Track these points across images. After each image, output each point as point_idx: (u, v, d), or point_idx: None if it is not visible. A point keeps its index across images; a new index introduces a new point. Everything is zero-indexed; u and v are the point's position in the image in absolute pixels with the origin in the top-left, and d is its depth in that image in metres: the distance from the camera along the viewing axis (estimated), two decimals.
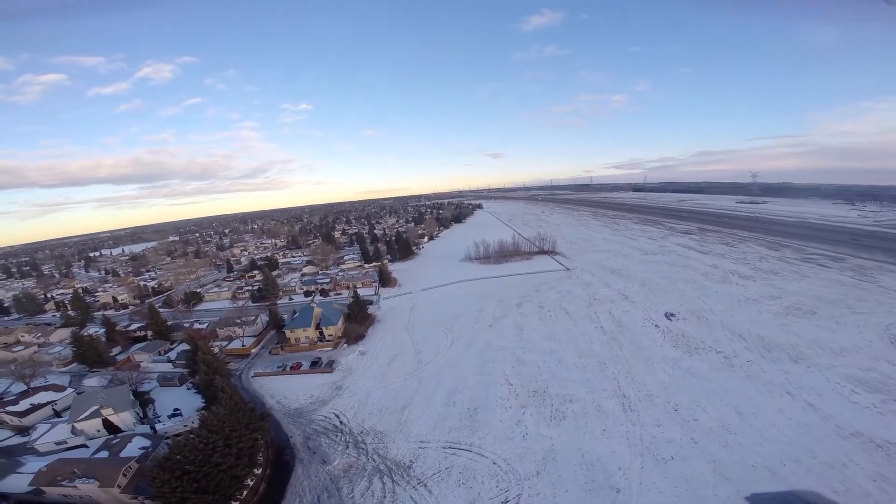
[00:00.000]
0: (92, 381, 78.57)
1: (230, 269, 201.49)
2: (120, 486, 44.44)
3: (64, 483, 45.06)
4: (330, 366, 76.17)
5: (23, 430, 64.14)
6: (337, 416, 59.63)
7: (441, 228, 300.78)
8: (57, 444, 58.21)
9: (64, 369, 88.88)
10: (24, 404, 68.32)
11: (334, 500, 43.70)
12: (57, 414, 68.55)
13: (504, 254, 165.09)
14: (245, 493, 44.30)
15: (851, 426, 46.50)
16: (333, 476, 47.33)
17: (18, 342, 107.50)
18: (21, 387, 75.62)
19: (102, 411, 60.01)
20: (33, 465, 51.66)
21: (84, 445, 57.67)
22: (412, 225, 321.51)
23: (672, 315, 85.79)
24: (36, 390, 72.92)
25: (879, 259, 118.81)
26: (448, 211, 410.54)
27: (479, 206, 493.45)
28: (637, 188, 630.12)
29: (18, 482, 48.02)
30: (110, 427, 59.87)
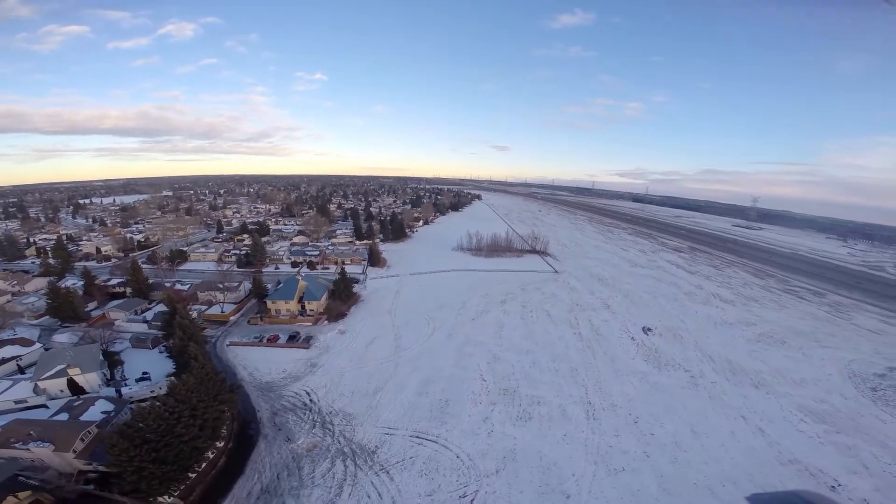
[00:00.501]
0: (62, 337, 76.47)
1: (220, 230, 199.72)
2: (75, 451, 43.61)
3: (17, 445, 43.50)
4: (307, 341, 76.49)
5: None
6: (308, 393, 60.21)
7: (437, 214, 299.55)
8: (16, 402, 56.34)
9: (35, 322, 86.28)
10: None
11: (294, 479, 44.29)
12: (21, 370, 66.13)
13: (496, 248, 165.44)
14: (204, 465, 44.32)
15: (792, 453, 48.92)
16: (296, 454, 47.87)
17: None
18: None
19: (69, 371, 58.30)
20: None
21: (44, 406, 56.11)
22: (409, 207, 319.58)
23: (649, 330, 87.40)
24: (2, 343, 69.86)
25: (857, 298, 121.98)
26: (446, 198, 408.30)
27: (478, 197, 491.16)
28: (637, 198, 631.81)
29: None
30: (75, 388, 58.62)
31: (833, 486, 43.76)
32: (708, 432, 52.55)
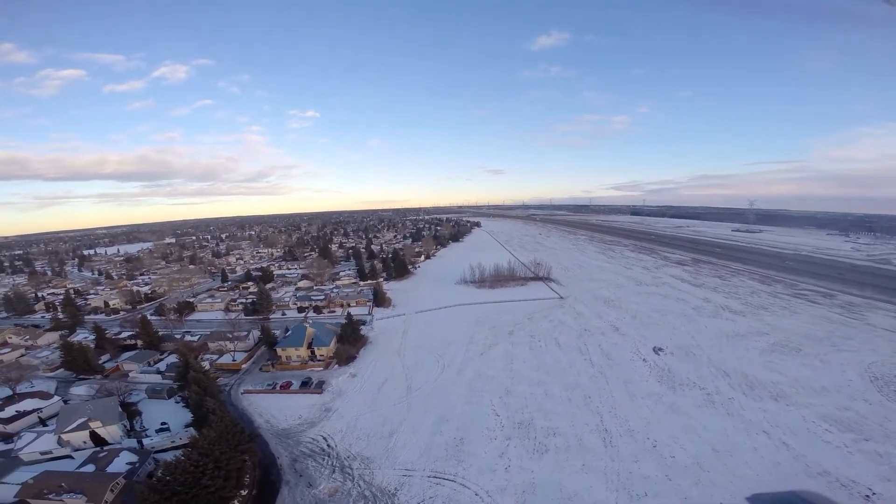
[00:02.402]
0: (79, 390, 78.33)
1: (225, 279, 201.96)
2: (106, 503, 44.64)
3: (51, 497, 44.97)
4: (320, 387, 76.70)
5: (7, 438, 63.82)
6: (325, 438, 60.15)
7: (438, 247, 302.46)
8: (42, 454, 58.17)
9: (51, 374, 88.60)
10: (9, 411, 68.01)
11: None
12: (42, 422, 68.08)
13: (499, 278, 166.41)
14: None
15: (820, 465, 48.08)
16: (319, 500, 47.80)
17: (6, 343, 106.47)
18: (5, 391, 75.14)
19: (90, 423, 59.98)
20: (18, 474, 51.54)
21: (70, 457, 57.64)
22: (410, 241, 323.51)
23: (660, 349, 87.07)
24: (22, 396, 72.57)
25: (869, 296, 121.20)
26: (446, 228, 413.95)
27: (478, 225, 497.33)
28: (635, 211, 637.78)
29: (3, 492, 47.88)
30: (97, 439, 59.82)
31: (868, 496, 42.78)
32: (730, 450, 51.80)
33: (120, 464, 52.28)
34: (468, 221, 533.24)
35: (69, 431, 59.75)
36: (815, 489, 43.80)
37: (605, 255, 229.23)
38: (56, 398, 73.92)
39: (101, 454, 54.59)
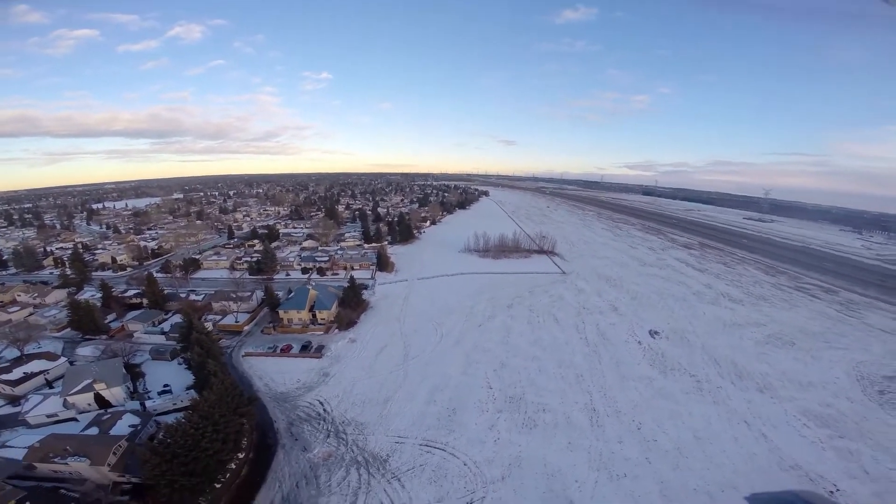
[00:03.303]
0: (86, 351, 79.23)
1: (231, 236, 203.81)
2: (109, 465, 46.15)
3: (56, 460, 46.31)
4: (319, 351, 78.87)
5: (14, 400, 64.44)
6: (321, 403, 62.48)
7: (444, 213, 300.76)
8: (48, 416, 58.99)
9: (58, 335, 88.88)
10: (17, 373, 68.38)
11: (312, 488, 46.59)
12: (49, 384, 68.82)
13: (503, 249, 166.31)
14: (228, 475, 46.90)
15: (793, 459, 49.78)
16: (313, 464, 50.13)
17: (15, 302, 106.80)
18: (14, 352, 75.48)
19: (95, 385, 61.17)
20: (24, 438, 52.85)
21: (74, 419, 58.53)
22: (416, 206, 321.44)
23: (656, 333, 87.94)
24: (29, 357, 73.06)
25: (872, 295, 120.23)
26: (454, 196, 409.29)
27: (486, 194, 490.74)
28: (647, 191, 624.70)
29: (11, 456, 49.01)
30: (101, 401, 61.18)
31: (832, 492, 44.46)
32: (710, 438, 53.48)
33: (123, 426, 53.36)
34: (476, 190, 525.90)
35: (74, 394, 60.75)
36: (785, 481, 45.72)
37: (611, 233, 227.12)
38: (62, 359, 74.29)
39: (105, 417, 55.64)
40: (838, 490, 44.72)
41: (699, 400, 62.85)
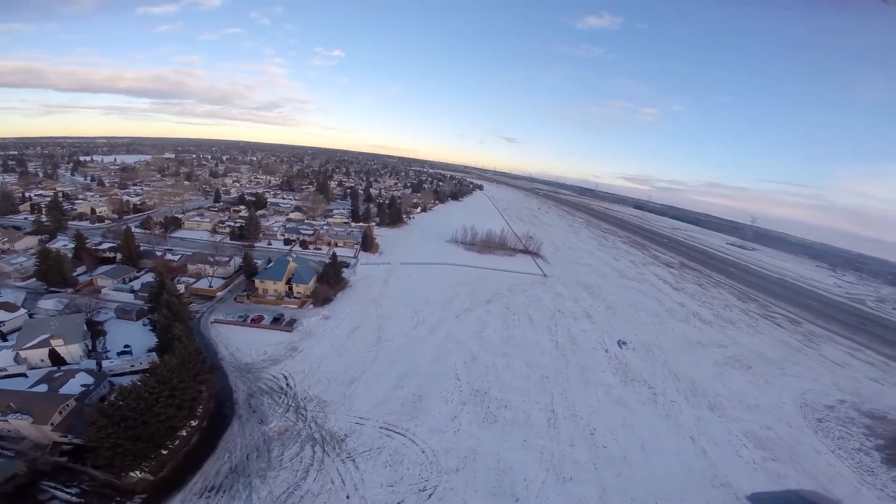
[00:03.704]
0: (48, 304, 75.53)
1: (217, 199, 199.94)
2: (53, 424, 44.29)
3: None
4: (291, 325, 78.55)
5: None
6: (285, 377, 62.46)
7: (437, 202, 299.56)
8: None
9: (21, 284, 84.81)
10: None
11: (262, 461, 46.65)
12: (3, 336, 65.21)
13: (490, 245, 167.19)
14: (177, 442, 45.97)
15: (726, 477, 52.12)
16: (267, 437, 50.12)
17: None
18: None
19: (52, 341, 58.77)
20: None
21: (24, 375, 55.80)
22: (409, 192, 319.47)
23: (624, 343, 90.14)
24: None
25: (833, 329, 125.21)
26: (448, 186, 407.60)
27: (480, 188, 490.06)
28: (638, 205, 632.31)
29: None
30: (56, 358, 58.71)
31: None
32: (656, 450, 55.52)
33: (74, 385, 51.09)
34: (471, 183, 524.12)
35: (28, 348, 58.13)
36: (712, 499, 48.04)
37: (597, 242, 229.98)
38: (22, 311, 70.23)
39: (57, 374, 53.17)
40: None
41: (652, 412, 65.01)
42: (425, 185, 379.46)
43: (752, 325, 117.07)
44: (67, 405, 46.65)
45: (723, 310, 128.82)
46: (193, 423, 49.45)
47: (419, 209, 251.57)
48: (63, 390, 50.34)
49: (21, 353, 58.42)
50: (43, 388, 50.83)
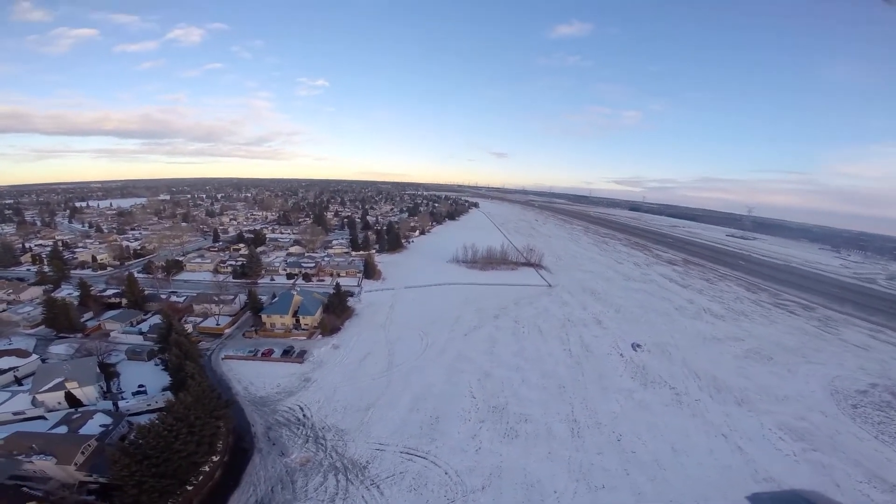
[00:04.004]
0: (59, 349, 77.25)
1: (216, 239, 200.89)
2: (77, 464, 44.86)
3: (20, 458, 44.88)
4: (301, 356, 77.68)
5: None
6: (301, 408, 61.44)
7: (434, 224, 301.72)
8: (15, 414, 57.39)
9: (31, 331, 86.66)
10: None
11: (288, 493, 45.63)
12: (18, 381, 66.94)
13: (491, 261, 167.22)
14: (201, 478, 45.75)
15: (767, 471, 50.50)
16: (290, 468, 49.21)
17: None
18: None
19: (66, 384, 59.46)
20: None
21: (43, 417, 56.90)
22: (406, 216, 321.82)
23: (638, 346, 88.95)
24: None
25: (848, 312, 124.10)
26: (443, 206, 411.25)
27: (476, 205, 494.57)
28: (634, 207, 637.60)
29: None
30: (72, 400, 59.59)
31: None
32: (687, 450, 54.03)
33: (93, 426, 52.02)
34: (466, 201, 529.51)
35: (44, 392, 59.09)
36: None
37: (598, 248, 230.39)
38: (34, 357, 72.29)
39: (75, 416, 54.20)
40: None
41: (678, 413, 63.55)
42: (421, 208, 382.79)
43: (766, 316, 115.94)
44: (89, 445, 47.09)
45: (733, 302, 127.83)
46: (215, 459, 48.88)
47: (417, 232, 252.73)
48: (82, 431, 50.96)
49: (38, 396, 59.28)
50: (63, 429, 51.55)
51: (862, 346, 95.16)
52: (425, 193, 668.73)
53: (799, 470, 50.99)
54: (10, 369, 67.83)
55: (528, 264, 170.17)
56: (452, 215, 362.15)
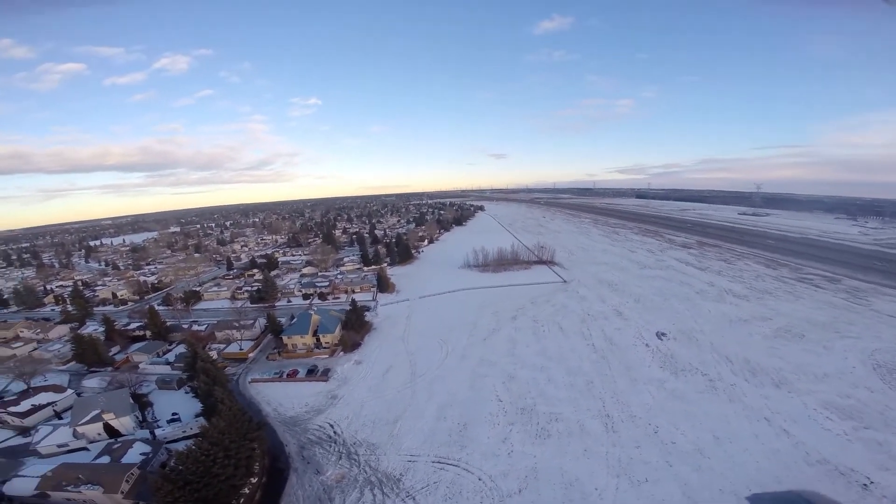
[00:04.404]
0: (92, 382, 79.92)
1: (230, 267, 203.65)
2: (123, 492, 46.00)
3: (69, 488, 46.49)
4: (326, 374, 77.90)
5: (24, 431, 64.92)
6: (331, 425, 61.44)
7: (441, 231, 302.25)
8: (59, 446, 59.61)
9: (63, 368, 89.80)
10: (25, 405, 69.16)
11: None
12: (57, 415, 69.26)
13: (503, 262, 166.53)
14: (242, 500, 46.22)
15: (819, 453, 48.51)
16: (326, 486, 49.15)
17: (17, 338, 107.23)
18: (20, 385, 76.36)
19: (104, 416, 61.46)
20: (36, 468, 52.67)
21: (85, 449, 59.18)
22: (413, 226, 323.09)
23: (663, 334, 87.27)
24: (36, 390, 73.82)
25: (875, 281, 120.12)
26: (449, 213, 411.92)
27: (481, 208, 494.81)
28: (640, 195, 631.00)
29: (23, 485, 48.99)
30: (111, 431, 61.42)
31: (865, 485, 43.16)
32: (730, 437, 52.39)
33: (134, 454, 53.80)
34: (471, 205, 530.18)
35: (83, 424, 61.24)
36: (813, 477, 44.61)
37: (608, 239, 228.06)
38: (69, 391, 75.24)
39: (116, 446, 56.14)
40: (873, 483, 43.27)
41: (714, 399, 61.85)
42: (427, 217, 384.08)
43: (791, 292, 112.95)
44: (132, 473, 48.53)
45: (755, 281, 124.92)
46: (253, 480, 49.38)
47: (426, 241, 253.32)
48: (124, 460, 52.81)
49: (78, 428, 61.19)
50: (105, 459, 53.62)
51: None
52: (430, 202, 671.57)
53: (853, 449, 48.70)
54: (49, 404, 70.48)
55: (541, 262, 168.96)
56: (459, 221, 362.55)
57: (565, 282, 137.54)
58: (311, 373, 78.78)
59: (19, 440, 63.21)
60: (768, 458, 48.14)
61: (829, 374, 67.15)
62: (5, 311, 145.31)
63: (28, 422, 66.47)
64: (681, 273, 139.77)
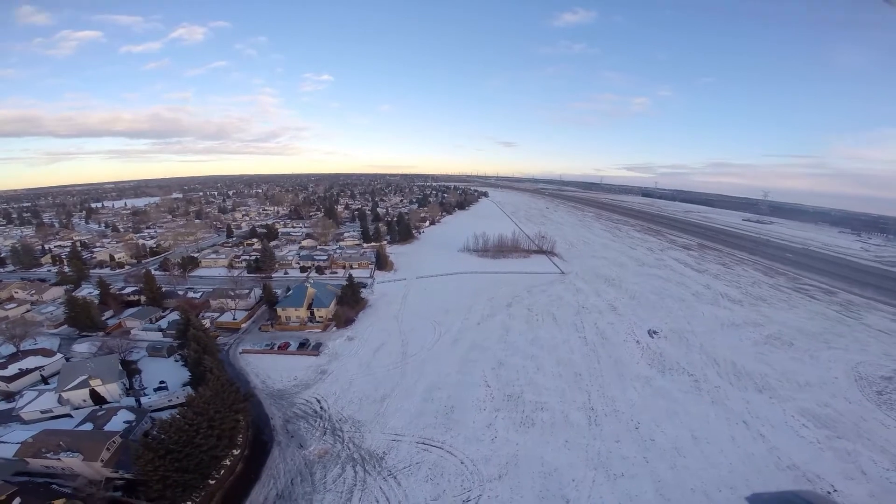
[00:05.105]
0: (82, 347, 79.22)
1: (230, 234, 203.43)
2: (103, 461, 46.00)
3: (49, 455, 46.14)
4: (317, 349, 78.56)
5: (9, 396, 63.73)
6: (318, 400, 62.16)
7: (444, 213, 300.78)
8: (42, 412, 58.78)
9: (54, 331, 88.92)
10: (12, 369, 67.77)
11: (307, 485, 46.31)
12: (44, 380, 68.42)
13: (502, 249, 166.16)
14: (222, 471, 46.56)
15: (791, 459, 49.49)
16: (308, 461, 49.85)
17: (12, 298, 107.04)
18: (10, 348, 74.85)
19: (90, 382, 61.01)
20: (18, 434, 52.16)
21: (69, 415, 58.41)
22: (416, 206, 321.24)
23: (655, 332, 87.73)
24: (25, 353, 72.50)
25: (870, 296, 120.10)
26: (453, 196, 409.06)
27: (485, 195, 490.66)
28: (646, 193, 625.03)
29: (2, 452, 48.36)
30: (97, 397, 60.94)
31: (829, 492, 44.18)
32: (708, 438, 53.26)
33: (117, 422, 53.16)
34: (476, 191, 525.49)
35: (69, 390, 60.48)
36: (782, 481, 45.45)
37: (610, 234, 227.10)
38: (58, 356, 74.10)
39: (100, 413, 55.45)
40: (836, 490, 44.46)
41: (697, 399, 62.60)
42: (430, 199, 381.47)
43: (785, 300, 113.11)
44: (114, 441, 48.21)
45: (751, 287, 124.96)
46: (235, 452, 49.73)
47: (427, 223, 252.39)
48: (107, 428, 52.29)
49: (63, 394, 60.65)
50: (88, 426, 52.92)
51: (886, 331, 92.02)
52: (434, 184, 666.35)
53: (823, 457, 49.84)
54: (36, 368, 69.62)
55: (541, 252, 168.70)
56: (462, 205, 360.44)
57: (563, 273, 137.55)
58: (303, 346, 79.37)
59: (3, 405, 62.13)
60: (742, 461, 49.05)
61: (811, 382, 67.91)
62: (2, 270, 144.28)
63: (13, 387, 65.38)
64: (678, 273, 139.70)
